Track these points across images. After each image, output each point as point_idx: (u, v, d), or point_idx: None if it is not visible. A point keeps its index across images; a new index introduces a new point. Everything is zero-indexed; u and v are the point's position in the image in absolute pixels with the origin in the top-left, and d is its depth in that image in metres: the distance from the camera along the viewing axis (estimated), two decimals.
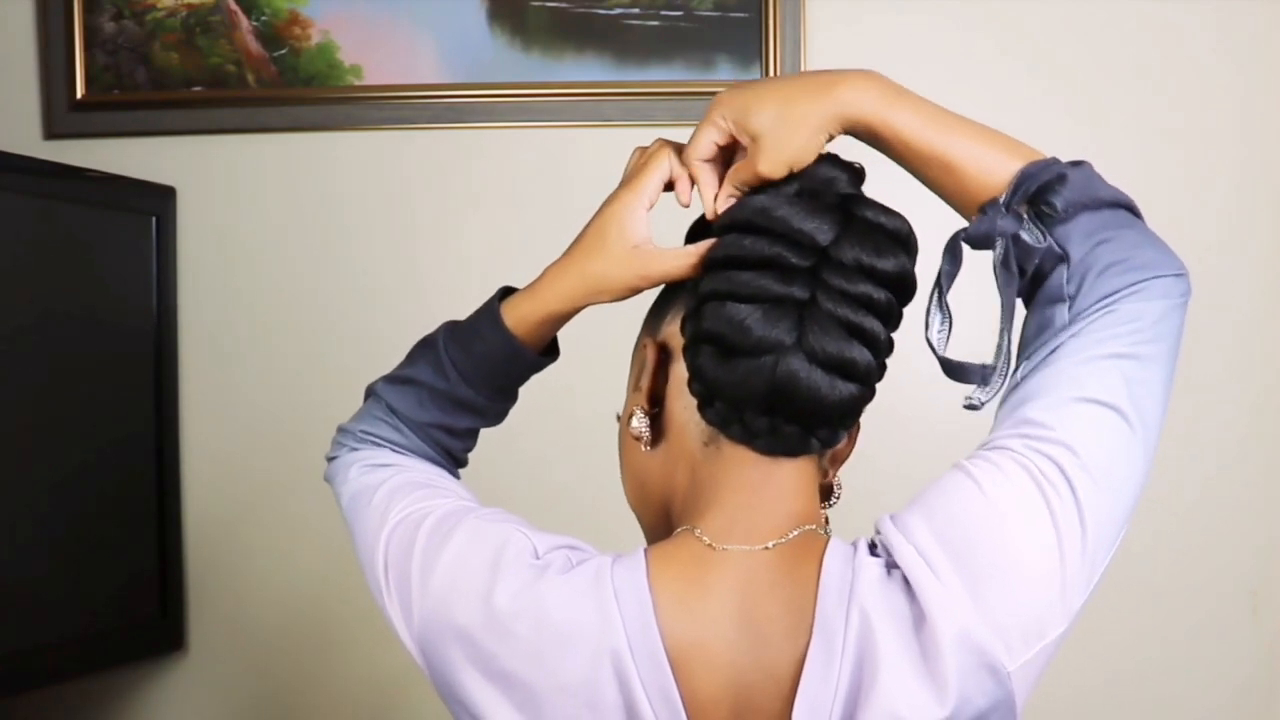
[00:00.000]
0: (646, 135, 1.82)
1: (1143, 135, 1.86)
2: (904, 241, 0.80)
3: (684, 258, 0.83)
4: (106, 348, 1.76)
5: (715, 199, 0.84)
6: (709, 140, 0.84)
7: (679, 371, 0.84)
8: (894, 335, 0.82)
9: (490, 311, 0.91)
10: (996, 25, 1.87)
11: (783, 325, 0.77)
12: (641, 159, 0.89)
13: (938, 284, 0.81)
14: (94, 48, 1.88)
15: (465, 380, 0.92)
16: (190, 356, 1.89)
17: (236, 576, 1.90)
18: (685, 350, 0.82)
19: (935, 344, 0.81)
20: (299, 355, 1.89)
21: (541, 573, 0.79)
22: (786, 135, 0.79)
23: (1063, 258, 0.78)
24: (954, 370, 0.80)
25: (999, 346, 0.80)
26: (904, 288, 0.80)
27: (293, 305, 1.90)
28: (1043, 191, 0.78)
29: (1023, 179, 0.79)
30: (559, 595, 0.78)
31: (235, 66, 1.88)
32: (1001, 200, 0.79)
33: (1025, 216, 0.79)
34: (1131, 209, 0.82)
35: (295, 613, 1.89)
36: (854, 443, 0.87)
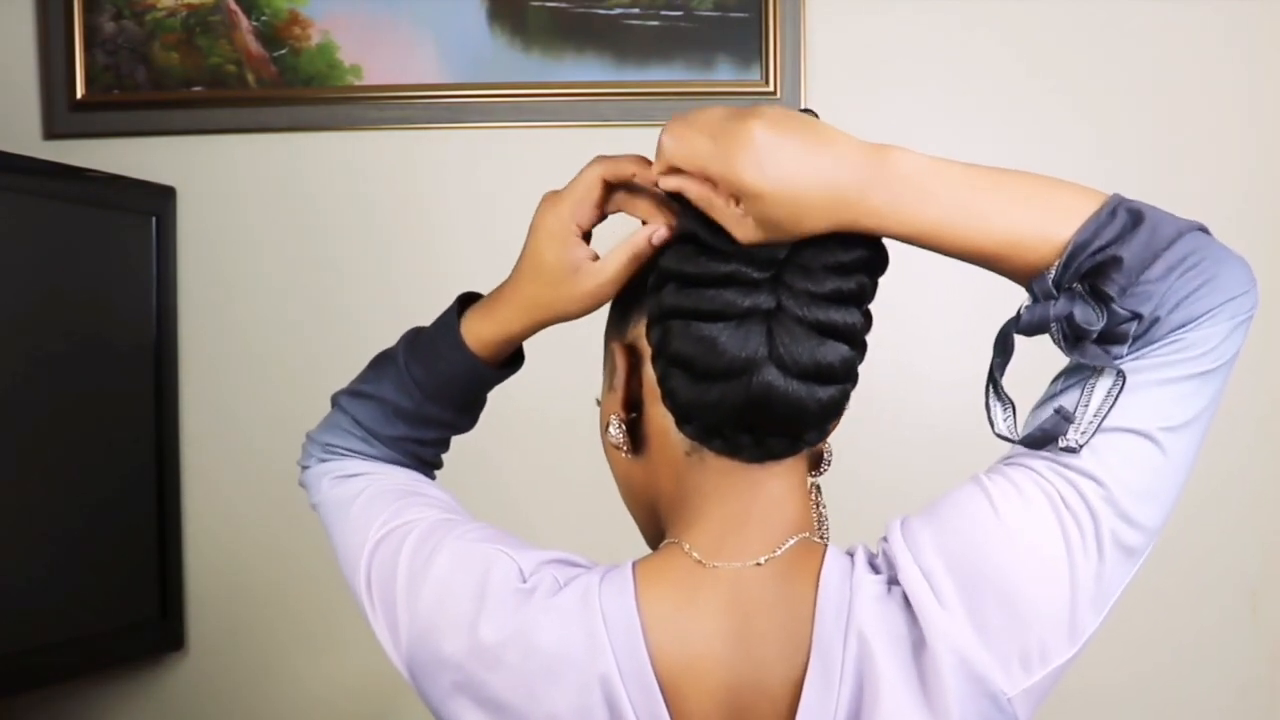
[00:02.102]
0: (646, 135, 1.83)
1: (1145, 134, 1.86)
2: None
3: (625, 259, 0.80)
4: (106, 347, 1.76)
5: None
6: (697, 173, 0.74)
7: (652, 375, 0.80)
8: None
9: (450, 330, 0.88)
10: (997, 25, 1.86)
11: (753, 340, 0.74)
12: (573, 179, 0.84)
13: (991, 378, 0.75)
14: (94, 48, 1.88)
15: (430, 399, 0.90)
16: (190, 356, 1.89)
17: (236, 576, 1.90)
18: (654, 362, 0.78)
19: (1007, 434, 0.75)
20: (299, 355, 1.89)
21: (528, 597, 0.77)
22: (786, 236, 0.73)
23: (1131, 318, 0.72)
24: (1040, 441, 0.74)
25: (1080, 387, 0.74)
26: (874, 267, 0.76)
27: (292, 305, 1.90)
28: (1097, 273, 0.71)
29: (1074, 252, 0.71)
30: (547, 621, 0.76)
31: (235, 66, 1.88)
32: (1050, 278, 0.72)
33: (1078, 291, 0.71)
34: (1199, 229, 0.74)
35: (295, 613, 1.89)
36: (841, 412, 0.82)
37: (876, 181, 0.72)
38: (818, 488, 0.83)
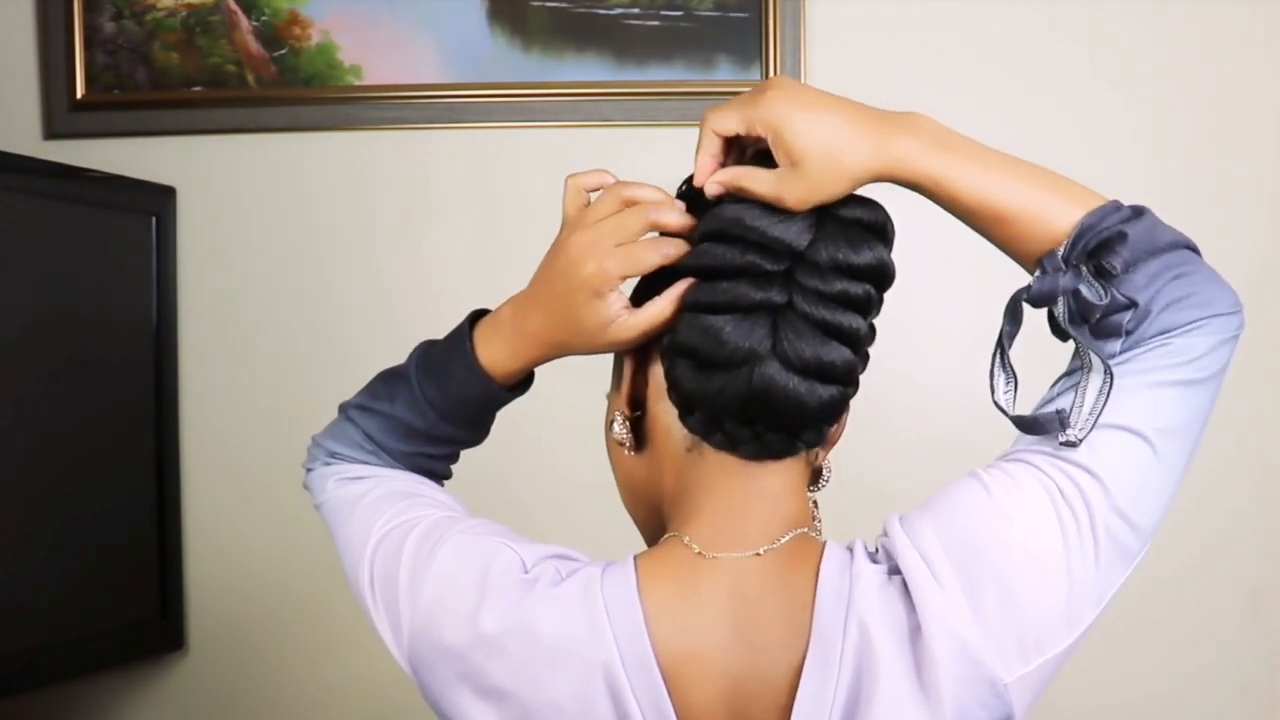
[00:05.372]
0: (646, 135, 1.85)
1: (1145, 134, 1.86)
2: (880, 231, 0.78)
3: (659, 314, 0.80)
4: (106, 348, 1.76)
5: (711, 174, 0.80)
6: (732, 130, 0.79)
7: (658, 374, 0.81)
8: (878, 326, 0.81)
9: (463, 352, 0.88)
10: (998, 25, 1.86)
11: (757, 333, 0.76)
12: (605, 212, 0.82)
13: (999, 346, 0.78)
14: (94, 48, 1.88)
15: (444, 419, 0.90)
16: (190, 356, 1.89)
17: (236, 576, 1.90)
18: (662, 357, 0.80)
19: (1004, 406, 0.77)
20: (299, 355, 1.89)
21: (530, 587, 0.78)
22: (827, 181, 0.76)
23: (1127, 305, 0.76)
24: (1030, 426, 0.77)
25: (1078, 386, 0.76)
26: (882, 277, 0.78)
27: (292, 305, 1.90)
28: (1103, 248, 0.75)
29: (1082, 232, 0.76)
30: (549, 610, 0.77)
31: (235, 66, 1.88)
32: (1060, 254, 0.76)
33: (1085, 271, 0.76)
34: (1191, 248, 0.79)
35: (295, 613, 1.89)
36: (844, 425, 0.85)
37: (900, 130, 0.77)
38: (815, 502, 0.84)
